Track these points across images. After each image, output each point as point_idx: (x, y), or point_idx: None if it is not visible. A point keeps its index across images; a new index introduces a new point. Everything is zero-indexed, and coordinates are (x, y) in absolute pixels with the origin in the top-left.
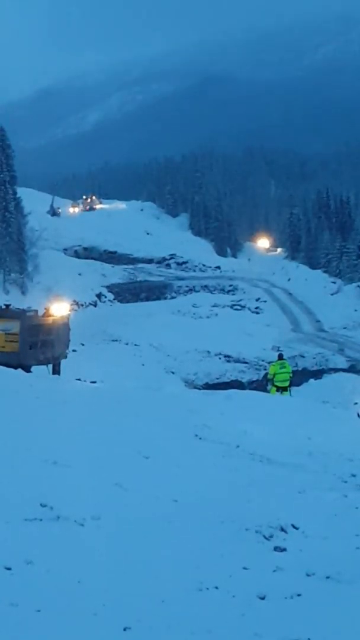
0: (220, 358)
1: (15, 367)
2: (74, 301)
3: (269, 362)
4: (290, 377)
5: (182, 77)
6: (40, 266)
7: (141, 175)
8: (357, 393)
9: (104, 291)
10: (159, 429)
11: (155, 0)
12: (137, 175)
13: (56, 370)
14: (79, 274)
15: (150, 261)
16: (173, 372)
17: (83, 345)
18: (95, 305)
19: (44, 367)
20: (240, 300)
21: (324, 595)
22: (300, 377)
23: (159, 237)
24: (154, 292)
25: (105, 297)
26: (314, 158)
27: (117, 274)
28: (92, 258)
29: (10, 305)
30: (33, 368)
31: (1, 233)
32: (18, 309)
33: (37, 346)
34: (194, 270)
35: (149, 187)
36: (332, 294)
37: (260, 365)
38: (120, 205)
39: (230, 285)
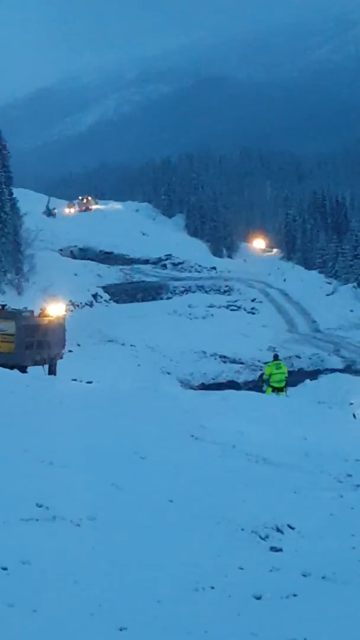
0: (216, 358)
1: (11, 368)
2: (70, 301)
3: (265, 363)
4: (285, 377)
5: (178, 79)
6: (36, 267)
7: (137, 176)
8: (353, 393)
9: (100, 291)
10: (155, 429)
11: (152, 1)
12: (133, 176)
13: (52, 371)
14: (75, 275)
15: (146, 262)
16: (169, 373)
17: (79, 345)
18: (91, 306)
19: (40, 367)
20: (236, 300)
21: (320, 595)
22: (296, 377)
23: (155, 237)
24: (150, 292)
25: (101, 297)
26: (309, 159)
27: (113, 275)
28: (88, 258)
29: (6, 305)
30: (29, 368)
31: None
32: (14, 309)
33: (33, 347)
34: (190, 271)
35: (145, 187)
36: (327, 295)
37: (256, 366)
38: (117, 205)
39: (226, 286)
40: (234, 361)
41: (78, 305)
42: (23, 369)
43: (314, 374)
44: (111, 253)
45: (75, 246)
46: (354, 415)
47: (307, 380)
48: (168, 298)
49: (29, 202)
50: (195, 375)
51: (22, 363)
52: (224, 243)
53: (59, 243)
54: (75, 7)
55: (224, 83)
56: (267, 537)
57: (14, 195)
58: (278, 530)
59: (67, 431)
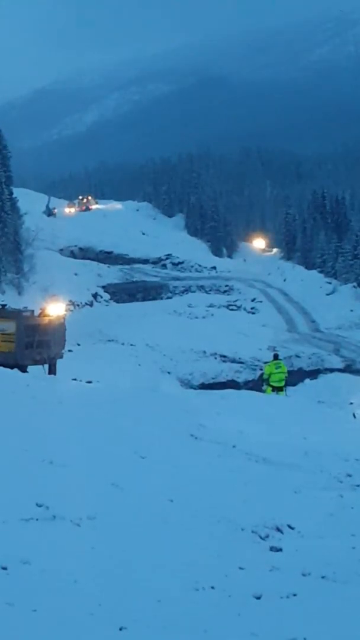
0: (216, 358)
1: (12, 367)
2: (70, 301)
3: (265, 362)
4: (285, 377)
5: (178, 78)
6: (36, 266)
7: (137, 176)
8: (353, 393)
9: (100, 291)
10: (155, 429)
11: (152, 1)
12: (134, 176)
13: (52, 370)
14: (75, 274)
15: (146, 261)
16: (169, 372)
17: (79, 345)
18: (91, 305)
19: (40, 367)
20: (236, 300)
21: (320, 595)
22: (295, 377)
23: (155, 237)
24: (150, 292)
25: (101, 297)
26: (309, 159)
27: (113, 274)
28: (88, 258)
29: (6, 305)
30: (29, 368)
31: None
32: (14, 309)
33: (33, 346)
34: (190, 271)
35: (145, 187)
36: (327, 295)
37: (256, 366)
38: (117, 205)
39: (226, 286)
40: (233, 361)
41: (78, 305)
42: (23, 369)
43: (313, 374)
44: (111, 253)
45: (75, 246)
46: (354, 415)
47: (307, 380)
48: (168, 298)
49: (29, 202)
50: (195, 375)
51: (22, 363)
52: (224, 243)
53: (59, 243)
54: (75, 7)
55: (224, 83)
56: (267, 536)
57: (14, 195)
58: (278, 530)
59: (67, 431)
